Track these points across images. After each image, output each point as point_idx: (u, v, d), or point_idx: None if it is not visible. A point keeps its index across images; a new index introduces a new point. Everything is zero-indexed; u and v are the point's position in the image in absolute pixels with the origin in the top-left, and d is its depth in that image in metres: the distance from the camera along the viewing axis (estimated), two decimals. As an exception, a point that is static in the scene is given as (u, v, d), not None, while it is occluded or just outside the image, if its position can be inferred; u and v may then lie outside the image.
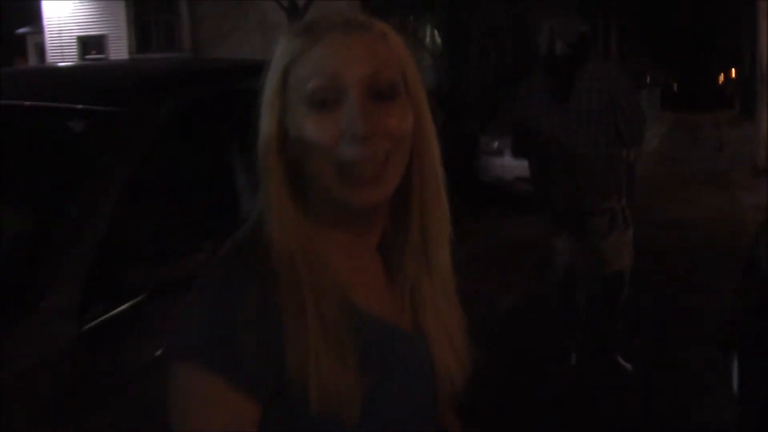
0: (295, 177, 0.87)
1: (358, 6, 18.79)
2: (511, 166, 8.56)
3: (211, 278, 0.86)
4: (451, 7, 16.94)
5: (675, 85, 41.42)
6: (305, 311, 0.82)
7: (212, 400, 0.79)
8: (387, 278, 0.96)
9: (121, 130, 1.92)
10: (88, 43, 19.96)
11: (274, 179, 0.86)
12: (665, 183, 10.85)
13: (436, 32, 19.10)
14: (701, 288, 5.55)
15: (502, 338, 4.58)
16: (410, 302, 0.95)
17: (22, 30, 20.89)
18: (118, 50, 19.79)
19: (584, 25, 3.83)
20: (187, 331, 0.82)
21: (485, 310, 4.94)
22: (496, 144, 8.77)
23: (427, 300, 0.95)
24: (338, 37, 0.84)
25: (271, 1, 15.78)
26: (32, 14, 20.14)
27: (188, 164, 2.20)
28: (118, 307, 1.70)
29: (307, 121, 0.83)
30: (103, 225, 1.73)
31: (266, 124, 0.87)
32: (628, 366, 3.98)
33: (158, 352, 1.63)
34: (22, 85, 2.31)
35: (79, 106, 1.99)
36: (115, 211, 1.77)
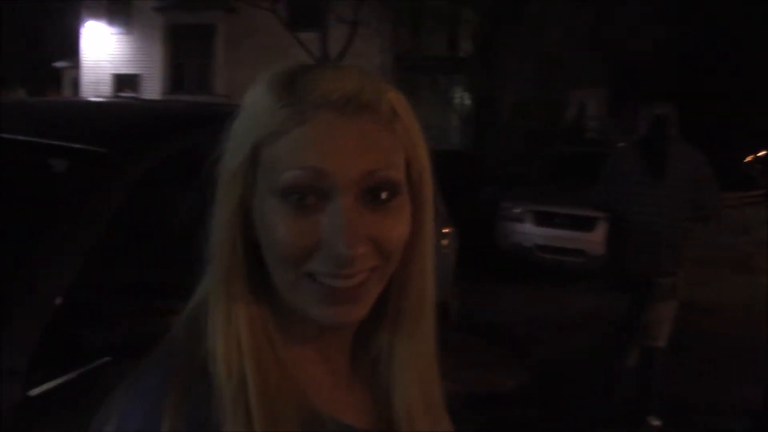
0: (255, 268, 0.70)
1: (391, 62, 19.02)
2: (530, 233, 8.38)
3: (129, 385, 0.69)
4: (482, 70, 17.03)
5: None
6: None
7: None
8: (357, 375, 0.79)
9: (103, 172, 1.78)
10: (122, 81, 20.28)
11: (229, 274, 0.69)
12: (688, 263, 10.52)
13: (466, 94, 19.18)
14: (720, 376, 5.27)
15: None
16: (396, 416, 0.78)
17: (59, 63, 21.31)
18: (151, 90, 20.09)
19: (660, 108, 4.18)
20: None
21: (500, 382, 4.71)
22: (517, 210, 8.60)
23: (414, 421, 0.78)
24: (332, 120, 0.65)
25: (306, 54, 15.98)
26: (71, 49, 20.57)
27: (173, 214, 2.04)
28: (73, 370, 1.53)
29: (276, 216, 0.66)
30: (67, 278, 1.56)
31: (225, 207, 0.69)
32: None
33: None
34: (15, 117, 2.18)
35: (63, 144, 1.85)
36: (84, 261, 1.61)
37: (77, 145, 1.83)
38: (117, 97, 17.42)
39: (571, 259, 8.21)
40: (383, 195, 0.67)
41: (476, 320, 5.87)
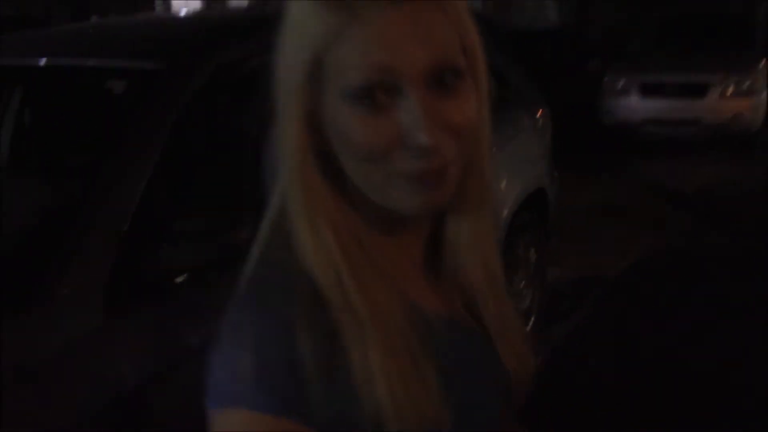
0: (328, 173, 0.70)
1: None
2: (638, 107, 7.92)
3: (248, 308, 0.69)
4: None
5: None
6: (365, 333, 0.66)
7: None
8: (437, 272, 0.80)
9: (159, 90, 1.72)
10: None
11: (305, 187, 0.69)
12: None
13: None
14: None
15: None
16: (464, 298, 0.80)
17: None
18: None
19: None
20: (233, 374, 0.65)
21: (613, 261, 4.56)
22: (621, 83, 8.11)
23: (482, 296, 0.80)
24: (388, 13, 0.63)
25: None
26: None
27: (233, 130, 1.98)
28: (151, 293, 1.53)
29: (350, 120, 0.66)
30: (131, 203, 1.54)
31: (291, 119, 0.68)
32: None
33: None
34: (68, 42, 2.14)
35: (117, 65, 1.80)
36: (148, 185, 1.58)
37: (130, 65, 1.78)
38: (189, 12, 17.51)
39: (684, 130, 7.75)
40: (448, 80, 0.66)
41: (582, 202, 5.67)
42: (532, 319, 3.42)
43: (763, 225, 5.17)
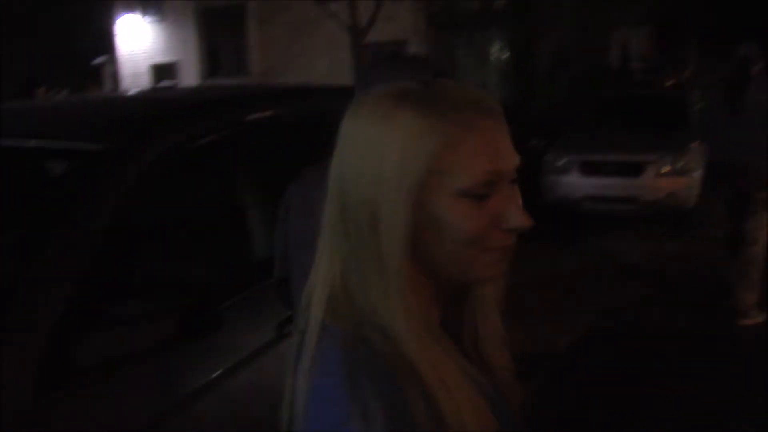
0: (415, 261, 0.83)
1: (424, 22, 18.69)
2: (578, 184, 8.16)
3: (355, 387, 0.76)
4: (518, 22, 16.60)
5: None
6: (454, 395, 0.79)
7: None
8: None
9: (105, 170, 1.72)
10: (160, 70, 20.44)
11: (402, 275, 0.81)
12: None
13: (503, 48, 18.76)
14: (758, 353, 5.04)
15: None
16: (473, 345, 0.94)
17: (98, 60, 21.57)
18: (189, 76, 20.21)
19: (742, 50, 4.84)
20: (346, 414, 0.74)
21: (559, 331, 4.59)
22: (562, 161, 8.37)
23: (492, 347, 0.95)
24: (491, 123, 0.82)
25: (336, 25, 15.81)
26: (107, 44, 20.77)
27: (187, 205, 1.99)
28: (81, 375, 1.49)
29: (461, 211, 0.80)
30: (69, 284, 1.52)
31: (399, 215, 0.80)
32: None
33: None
34: (12, 122, 2.14)
35: (58, 145, 1.80)
36: (87, 265, 1.56)
37: (72, 145, 1.78)
38: (153, 88, 17.60)
39: (622, 207, 7.99)
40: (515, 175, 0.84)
41: (524, 277, 5.74)
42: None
43: (708, 299, 5.32)
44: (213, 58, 20.61)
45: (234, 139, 2.28)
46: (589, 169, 8.11)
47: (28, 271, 1.54)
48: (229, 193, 2.28)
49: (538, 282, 5.75)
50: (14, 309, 1.49)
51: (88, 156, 1.77)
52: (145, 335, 1.59)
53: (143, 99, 3.01)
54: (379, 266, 0.80)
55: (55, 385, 1.46)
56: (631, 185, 7.84)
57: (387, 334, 0.79)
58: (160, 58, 19.71)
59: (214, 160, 2.22)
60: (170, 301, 1.67)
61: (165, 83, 20.30)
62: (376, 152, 0.79)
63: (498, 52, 18.98)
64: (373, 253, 0.81)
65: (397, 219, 0.79)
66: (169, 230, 1.97)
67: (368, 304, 0.81)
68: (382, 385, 0.75)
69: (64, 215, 1.63)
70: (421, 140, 0.78)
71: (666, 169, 7.78)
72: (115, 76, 20.74)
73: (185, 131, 2.06)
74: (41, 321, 1.49)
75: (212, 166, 2.22)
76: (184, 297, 1.71)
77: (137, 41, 20.39)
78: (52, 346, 1.47)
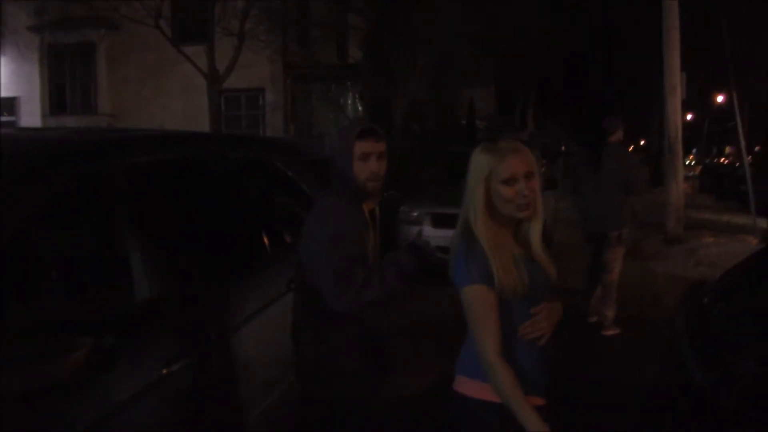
0: (488, 208, 2.15)
1: (282, 72, 18.93)
2: (429, 235, 8.54)
3: (462, 247, 2.14)
4: (373, 76, 17.19)
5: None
6: (497, 256, 2.10)
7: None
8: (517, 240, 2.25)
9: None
10: (1, 105, 19.26)
11: (481, 212, 2.14)
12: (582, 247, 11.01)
13: (358, 101, 19.34)
14: (616, 356, 5.57)
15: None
16: (528, 251, 2.23)
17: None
18: (32, 112, 19.20)
19: (604, 122, 6.52)
20: (465, 270, 2.11)
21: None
22: (415, 214, 8.76)
23: (536, 249, 2.22)
24: (514, 156, 2.14)
25: (194, 68, 15.68)
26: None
27: (63, 250, 2.00)
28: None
29: (500, 189, 2.13)
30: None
31: (479, 192, 2.15)
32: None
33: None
34: None
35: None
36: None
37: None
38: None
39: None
40: (530, 174, 2.16)
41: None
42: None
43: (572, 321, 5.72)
44: (58, 95, 19.73)
45: (118, 182, 2.31)
46: (439, 221, 8.52)
47: None
48: (111, 235, 2.29)
49: (396, 330, 5.94)
50: None
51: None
52: (39, 374, 1.59)
53: (27, 137, 2.94)
54: (474, 211, 2.15)
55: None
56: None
57: (479, 237, 2.12)
58: (2, 93, 18.56)
59: (98, 202, 2.23)
60: (60, 341, 1.69)
61: (2, 118, 19.15)
62: (476, 166, 2.17)
63: (353, 104, 19.53)
64: (473, 205, 2.15)
65: (478, 194, 2.15)
66: (54, 269, 1.97)
67: (473, 224, 2.14)
68: (478, 257, 2.09)
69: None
70: (487, 161, 2.14)
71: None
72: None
73: (71, 172, 2.08)
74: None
75: (95, 207, 2.23)
76: (72, 336, 1.72)
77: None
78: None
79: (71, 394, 1.75)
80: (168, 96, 18.59)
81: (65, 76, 19.68)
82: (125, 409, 1.96)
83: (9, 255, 1.74)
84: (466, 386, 2.17)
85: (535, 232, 2.19)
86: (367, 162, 2.55)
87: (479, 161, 2.13)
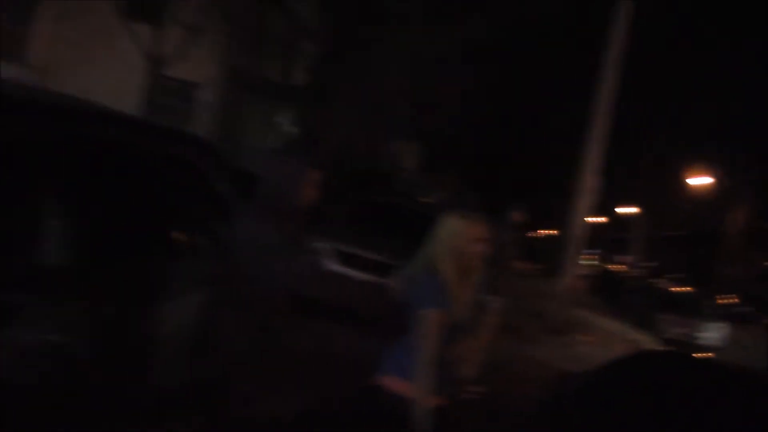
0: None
1: (224, 76, 18.72)
2: (338, 271, 8.65)
3: (428, 276, 3.15)
4: (313, 104, 17.22)
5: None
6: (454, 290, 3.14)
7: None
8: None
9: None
10: None
11: (448, 263, 3.15)
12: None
13: (294, 124, 19.31)
14: None
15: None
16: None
17: None
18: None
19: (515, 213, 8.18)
20: (425, 296, 3.08)
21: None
22: (323, 247, 8.84)
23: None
24: (475, 228, 3.22)
25: (132, 45, 15.39)
26: None
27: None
28: None
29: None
30: None
31: (450, 247, 3.16)
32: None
33: None
34: None
35: None
36: None
37: None
38: None
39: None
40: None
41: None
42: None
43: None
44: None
45: (53, 148, 2.37)
46: (346, 259, 8.71)
47: None
48: (34, 197, 2.33)
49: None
50: None
51: None
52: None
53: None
54: (442, 257, 3.14)
55: None
56: (379, 282, 8.38)
57: (443, 274, 3.11)
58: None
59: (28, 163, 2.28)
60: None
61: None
62: (448, 228, 3.21)
63: (289, 125, 19.50)
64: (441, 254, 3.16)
65: (447, 258, 3.14)
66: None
67: (438, 265, 3.13)
68: (440, 289, 3.07)
69: None
70: (458, 227, 3.18)
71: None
72: None
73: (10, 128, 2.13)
74: None
75: (24, 168, 2.28)
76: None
77: None
78: None
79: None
80: (104, 67, 18.03)
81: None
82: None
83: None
84: (400, 386, 3.00)
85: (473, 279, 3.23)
86: (313, 189, 3.05)
87: (452, 225, 3.19)
